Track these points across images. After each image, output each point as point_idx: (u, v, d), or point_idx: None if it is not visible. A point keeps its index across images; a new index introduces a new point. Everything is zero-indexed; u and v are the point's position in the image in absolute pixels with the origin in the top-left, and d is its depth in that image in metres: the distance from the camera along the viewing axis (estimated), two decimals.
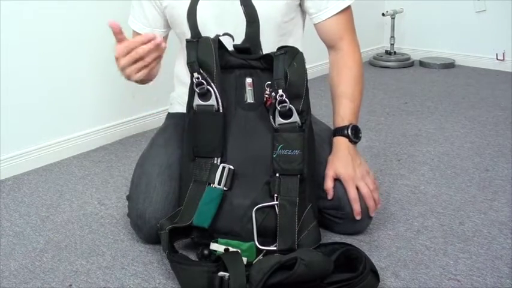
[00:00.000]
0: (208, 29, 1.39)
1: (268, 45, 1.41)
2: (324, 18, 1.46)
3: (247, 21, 1.37)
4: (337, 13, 1.45)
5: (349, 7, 1.48)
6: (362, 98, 1.49)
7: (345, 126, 1.43)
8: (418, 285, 1.26)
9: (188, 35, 1.42)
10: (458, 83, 2.95)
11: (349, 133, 1.42)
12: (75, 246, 1.46)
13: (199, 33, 1.39)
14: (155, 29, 1.52)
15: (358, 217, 1.38)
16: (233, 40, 1.37)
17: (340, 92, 1.47)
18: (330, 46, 1.51)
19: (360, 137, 1.45)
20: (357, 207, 1.37)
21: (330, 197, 1.39)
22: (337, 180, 1.40)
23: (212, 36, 1.34)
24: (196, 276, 1.19)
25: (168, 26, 1.54)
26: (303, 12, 1.50)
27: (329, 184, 1.39)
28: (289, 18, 1.46)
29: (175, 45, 1.58)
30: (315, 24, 1.49)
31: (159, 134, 1.56)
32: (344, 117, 1.45)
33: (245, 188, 1.32)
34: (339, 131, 1.44)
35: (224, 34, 1.35)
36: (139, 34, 1.53)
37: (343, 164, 1.39)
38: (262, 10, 1.39)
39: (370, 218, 1.44)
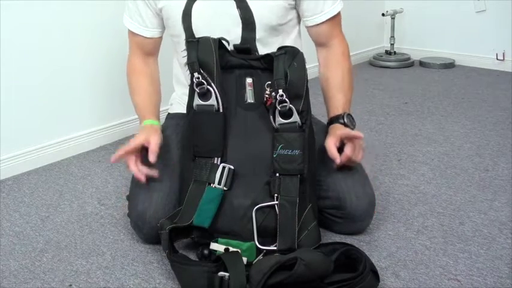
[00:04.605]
0: (202, 31, 1.39)
1: (264, 47, 1.42)
2: (319, 22, 1.47)
3: (243, 24, 1.38)
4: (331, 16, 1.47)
5: None
6: (353, 91, 1.51)
7: (340, 114, 1.44)
8: (418, 285, 1.26)
9: (183, 37, 1.43)
10: (458, 83, 2.95)
11: (345, 120, 1.43)
12: (75, 246, 1.47)
13: (193, 35, 1.39)
14: (151, 29, 1.52)
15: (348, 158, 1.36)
16: (228, 44, 1.37)
17: (333, 87, 1.48)
18: (321, 44, 1.52)
19: (355, 125, 1.45)
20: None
21: (338, 161, 1.34)
22: (339, 178, 1.40)
23: None
24: (196, 276, 1.19)
25: (163, 26, 1.54)
26: (298, 13, 1.51)
27: (333, 149, 1.35)
28: (284, 21, 1.46)
29: None
30: (307, 27, 1.50)
31: None
32: (338, 107, 1.45)
33: (245, 188, 1.32)
34: (335, 119, 1.44)
35: (220, 38, 1.35)
36: (135, 34, 1.53)
37: (340, 128, 1.39)
38: (257, 13, 1.39)
39: (371, 217, 1.44)
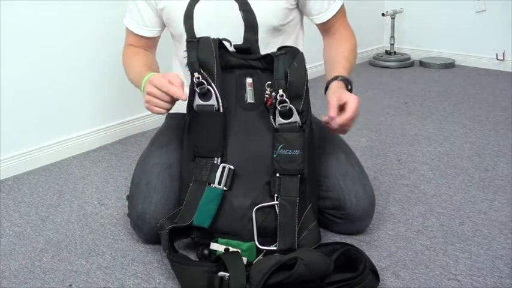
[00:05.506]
0: (204, 32, 1.39)
1: (265, 48, 1.42)
2: (325, 19, 1.48)
3: (245, 26, 1.38)
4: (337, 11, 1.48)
5: None
6: (355, 63, 1.51)
7: (339, 76, 1.39)
8: (418, 285, 1.26)
9: (184, 37, 1.43)
10: (458, 83, 2.95)
11: (346, 77, 1.38)
12: (75, 246, 1.47)
13: (195, 36, 1.39)
14: (151, 28, 1.52)
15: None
16: (231, 45, 1.37)
17: (337, 55, 1.47)
18: (327, 33, 1.53)
19: (352, 87, 1.40)
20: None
21: (333, 114, 1.28)
22: (339, 178, 1.40)
23: None
24: (196, 276, 1.19)
25: (163, 25, 1.54)
26: (301, 13, 1.51)
27: (333, 112, 1.28)
28: (285, 22, 1.46)
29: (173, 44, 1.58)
30: (316, 24, 1.51)
31: (159, 134, 1.56)
32: (339, 72, 1.40)
33: (245, 188, 1.32)
34: (335, 78, 1.39)
35: (222, 39, 1.35)
36: (134, 33, 1.53)
37: (342, 91, 1.34)
38: (259, 15, 1.39)
39: (371, 217, 1.44)
